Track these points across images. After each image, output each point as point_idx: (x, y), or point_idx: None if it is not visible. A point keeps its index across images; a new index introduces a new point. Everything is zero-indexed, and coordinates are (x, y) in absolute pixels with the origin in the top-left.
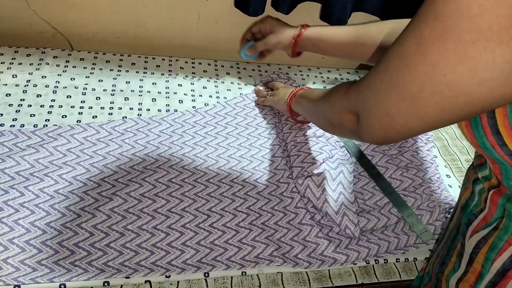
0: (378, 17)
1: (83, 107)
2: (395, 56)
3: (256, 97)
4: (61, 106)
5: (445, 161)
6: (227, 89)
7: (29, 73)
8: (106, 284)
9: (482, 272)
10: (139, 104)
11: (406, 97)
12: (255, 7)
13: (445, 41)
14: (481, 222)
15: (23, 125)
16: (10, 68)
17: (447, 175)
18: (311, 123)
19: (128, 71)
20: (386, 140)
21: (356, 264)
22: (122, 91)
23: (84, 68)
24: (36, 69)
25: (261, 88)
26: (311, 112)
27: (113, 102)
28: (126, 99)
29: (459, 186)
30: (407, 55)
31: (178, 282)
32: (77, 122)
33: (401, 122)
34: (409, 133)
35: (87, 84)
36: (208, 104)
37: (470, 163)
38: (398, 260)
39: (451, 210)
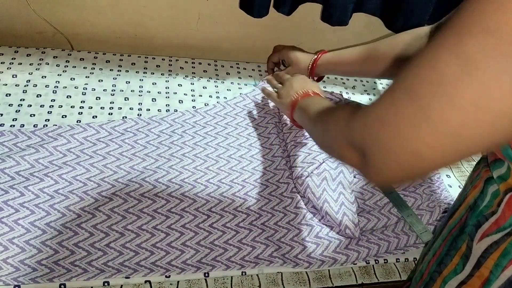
0: (379, 18)
1: (83, 107)
2: (425, 81)
3: (264, 84)
4: (61, 106)
5: None
6: (227, 89)
7: (29, 73)
8: (106, 284)
9: (490, 278)
10: (139, 104)
11: (445, 132)
12: (259, 8)
13: (500, 59)
14: (492, 226)
15: (23, 125)
16: (10, 68)
17: (447, 175)
18: None
19: (128, 71)
20: (402, 181)
21: (356, 264)
22: (122, 91)
23: (84, 68)
24: (36, 69)
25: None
26: (309, 130)
27: (113, 102)
28: (126, 99)
29: (459, 186)
30: (447, 79)
31: (178, 282)
32: (77, 122)
33: (431, 160)
34: (434, 171)
35: (87, 84)
36: (208, 104)
37: (470, 163)
38: (398, 260)
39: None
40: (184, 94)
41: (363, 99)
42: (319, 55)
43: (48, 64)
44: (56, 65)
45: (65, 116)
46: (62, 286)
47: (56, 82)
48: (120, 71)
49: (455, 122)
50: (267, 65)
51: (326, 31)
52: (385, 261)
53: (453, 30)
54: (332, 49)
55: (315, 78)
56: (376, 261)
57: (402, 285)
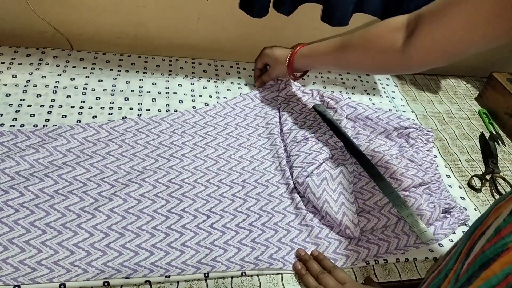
0: (379, 18)
1: (83, 107)
2: None
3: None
4: (61, 106)
5: (445, 161)
6: (227, 89)
7: (29, 73)
8: (106, 284)
9: None
10: (139, 104)
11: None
12: (259, 8)
13: None
14: None
15: (23, 125)
16: (10, 68)
17: (447, 175)
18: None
19: (128, 71)
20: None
21: (356, 265)
22: (122, 91)
23: (84, 68)
24: (36, 69)
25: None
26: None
27: (113, 102)
28: (126, 99)
29: (459, 186)
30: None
31: (178, 282)
32: (77, 122)
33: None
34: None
35: (87, 84)
36: (208, 104)
37: (470, 163)
38: (398, 260)
39: (448, 210)
40: (184, 94)
41: (363, 99)
42: (296, 49)
43: (48, 64)
44: (56, 65)
45: (65, 116)
46: (62, 286)
47: (56, 82)
48: (120, 71)
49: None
50: (254, 73)
51: (326, 31)
52: (385, 261)
53: None
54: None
55: (298, 75)
56: (376, 262)
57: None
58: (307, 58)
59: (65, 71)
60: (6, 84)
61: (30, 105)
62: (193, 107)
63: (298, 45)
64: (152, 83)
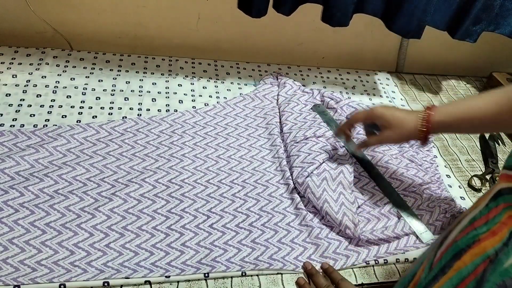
0: (379, 19)
1: (83, 107)
2: None
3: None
4: (61, 106)
5: (445, 161)
6: (227, 89)
7: (29, 73)
8: (105, 284)
9: None
10: (139, 104)
11: None
12: (258, 8)
13: None
14: None
15: (23, 125)
16: (10, 68)
17: (447, 175)
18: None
19: (128, 71)
20: None
21: (356, 265)
22: (122, 91)
23: (84, 68)
24: (36, 69)
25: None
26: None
27: (113, 102)
28: (126, 99)
29: (459, 186)
30: None
31: (178, 282)
32: (77, 122)
33: None
34: None
35: (87, 84)
36: (208, 104)
37: (470, 163)
38: (398, 261)
39: (448, 210)
40: (184, 94)
41: (363, 99)
42: (430, 112)
43: (48, 64)
44: (56, 65)
45: (65, 116)
46: (62, 286)
47: (56, 82)
48: (120, 71)
49: None
50: (342, 126)
51: (326, 31)
52: (385, 261)
53: None
54: (336, 53)
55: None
56: (376, 262)
57: None
58: (453, 121)
59: (65, 71)
60: (6, 84)
61: (30, 105)
62: (193, 107)
63: (429, 107)
64: (152, 83)
